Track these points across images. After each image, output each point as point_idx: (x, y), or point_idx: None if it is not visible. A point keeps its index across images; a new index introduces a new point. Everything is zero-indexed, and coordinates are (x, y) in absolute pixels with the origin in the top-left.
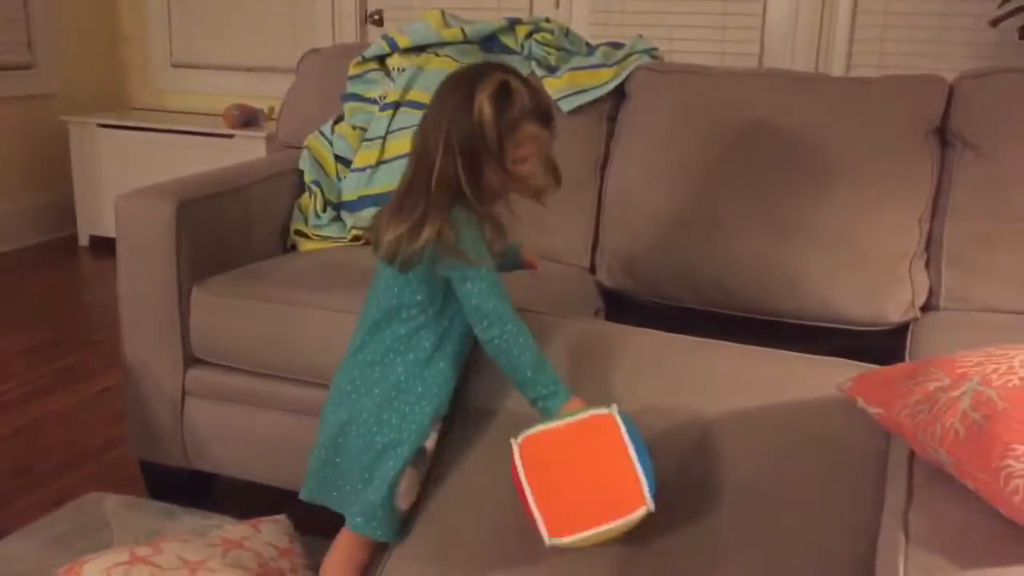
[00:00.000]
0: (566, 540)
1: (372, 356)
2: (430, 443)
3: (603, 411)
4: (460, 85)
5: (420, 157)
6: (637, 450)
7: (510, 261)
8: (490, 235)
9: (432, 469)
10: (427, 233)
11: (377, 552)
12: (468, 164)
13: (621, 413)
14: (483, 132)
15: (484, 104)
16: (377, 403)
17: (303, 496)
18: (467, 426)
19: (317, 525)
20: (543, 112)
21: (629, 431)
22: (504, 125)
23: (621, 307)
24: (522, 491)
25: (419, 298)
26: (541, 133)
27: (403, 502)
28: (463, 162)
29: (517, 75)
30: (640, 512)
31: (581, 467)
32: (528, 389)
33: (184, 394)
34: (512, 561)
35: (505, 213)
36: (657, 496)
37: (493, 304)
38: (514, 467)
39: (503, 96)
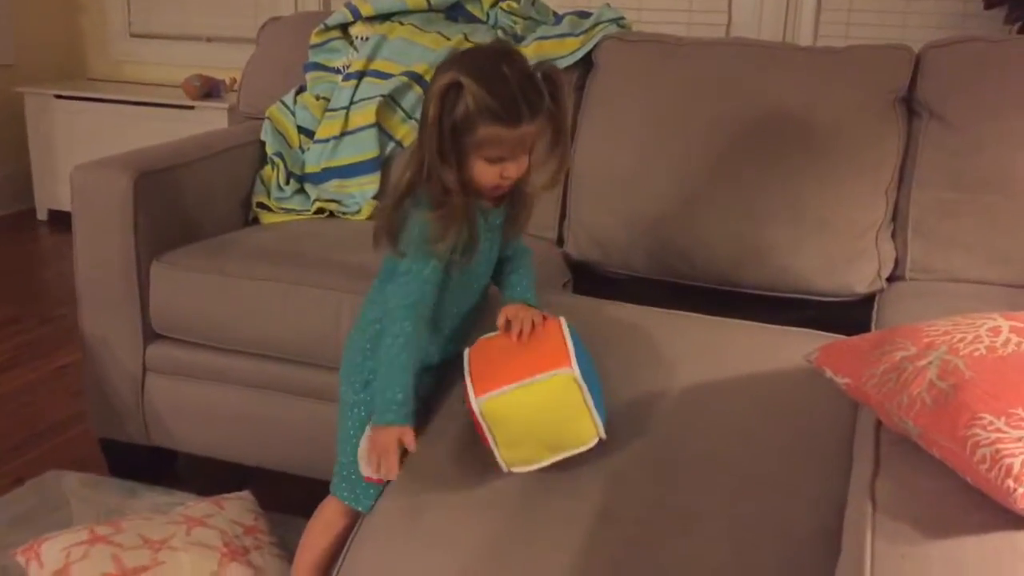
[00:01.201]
0: (490, 396)
1: (359, 320)
2: None
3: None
4: (435, 73)
5: None
6: (577, 353)
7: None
8: (447, 234)
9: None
10: (384, 209)
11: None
12: (427, 160)
13: (571, 328)
14: (428, 131)
15: (431, 103)
16: (352, 364)
17: None
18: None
19: (282, 501)
20: (503, 114)
21: (573, 337)
22: (454, 126)
23: (589, 279)
24: (464, 383)
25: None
26: (504, 135)
27: (365, 467)
28: (426, 156)
29: (488, 68)
30: (562, 372)
31: (519, 348)
32: (375, 391)
33: (144, 370)
34: (483, 532)
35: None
36: (608, 426)
37: (404, 303)
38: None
39: (451, 96)
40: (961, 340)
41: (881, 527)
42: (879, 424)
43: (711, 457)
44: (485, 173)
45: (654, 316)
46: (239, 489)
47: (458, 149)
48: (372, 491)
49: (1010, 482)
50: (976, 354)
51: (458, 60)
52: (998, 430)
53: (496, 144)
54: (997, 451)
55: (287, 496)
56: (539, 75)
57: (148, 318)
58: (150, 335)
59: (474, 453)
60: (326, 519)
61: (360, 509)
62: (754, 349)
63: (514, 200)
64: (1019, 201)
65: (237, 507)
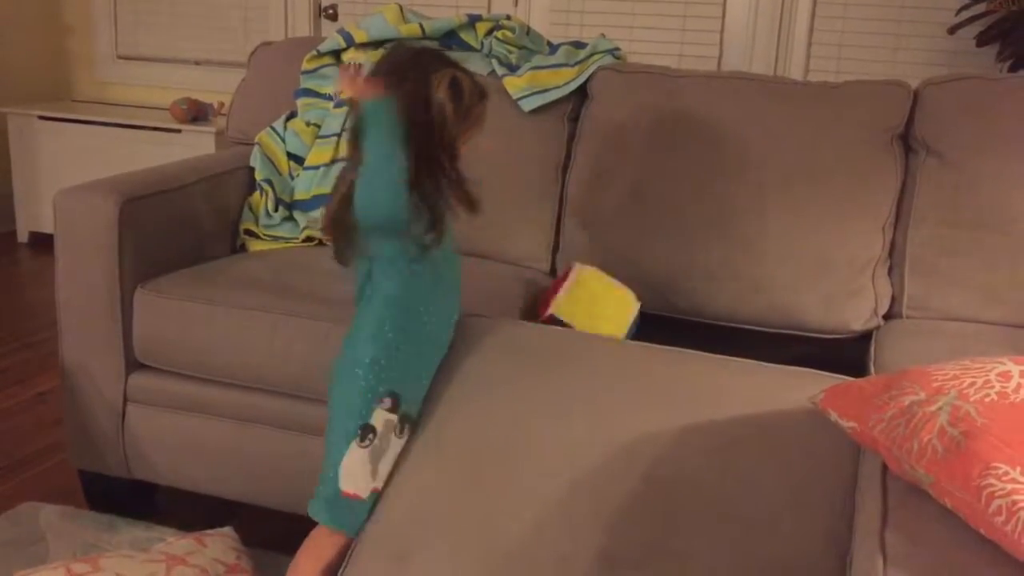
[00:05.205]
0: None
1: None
2: (378, 422)
3: None
4: (408, 77)
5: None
6: None
7: None
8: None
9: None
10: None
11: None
12: (422, 156)
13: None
14: (442, 127)
15: (445, 101)
16: (339, 384)
17: None
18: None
19: (265, 538)
20: (483, 90)
21: None
22: (461, 116)
23: None
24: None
25: (360, 280)
26: (485, 111)
27: (348, 484)
28: (417, 154)
29: (453, 63)
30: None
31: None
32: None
33: (126, 400)
34: (473, 557)
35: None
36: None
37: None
38: None
39: (456, 90)
40: (971, 385)
41: None
42: (885, 469)
43: (711, 500)
44: (463, 159)
45: (652, 353)
46: (221, 524)
47: (455, 139)
48: (350, 508)
49: None
50: (987, 400)
51: (428, 59)
52: (1014, 480)
53: (482, 122)
54: (1013, 502)
55: (271, 532)
56: None
57: (131, 347)
58: (132, 364)
59: (465, 486)
60: (314, 550)
61: (340, 529)
62: (756, 389)
63: None
64: (1017, 239)
65: (219, 544)
